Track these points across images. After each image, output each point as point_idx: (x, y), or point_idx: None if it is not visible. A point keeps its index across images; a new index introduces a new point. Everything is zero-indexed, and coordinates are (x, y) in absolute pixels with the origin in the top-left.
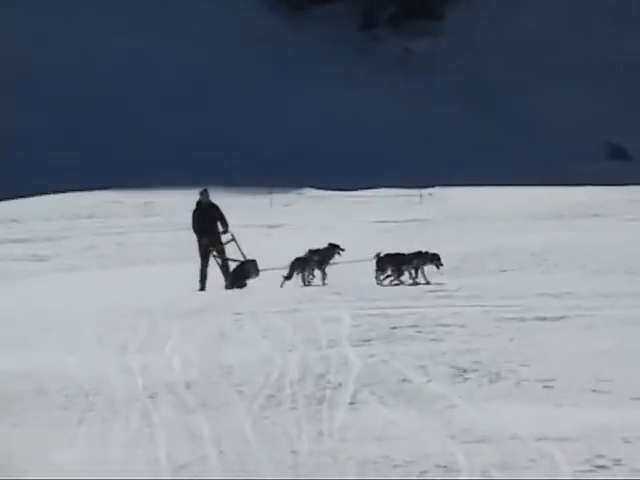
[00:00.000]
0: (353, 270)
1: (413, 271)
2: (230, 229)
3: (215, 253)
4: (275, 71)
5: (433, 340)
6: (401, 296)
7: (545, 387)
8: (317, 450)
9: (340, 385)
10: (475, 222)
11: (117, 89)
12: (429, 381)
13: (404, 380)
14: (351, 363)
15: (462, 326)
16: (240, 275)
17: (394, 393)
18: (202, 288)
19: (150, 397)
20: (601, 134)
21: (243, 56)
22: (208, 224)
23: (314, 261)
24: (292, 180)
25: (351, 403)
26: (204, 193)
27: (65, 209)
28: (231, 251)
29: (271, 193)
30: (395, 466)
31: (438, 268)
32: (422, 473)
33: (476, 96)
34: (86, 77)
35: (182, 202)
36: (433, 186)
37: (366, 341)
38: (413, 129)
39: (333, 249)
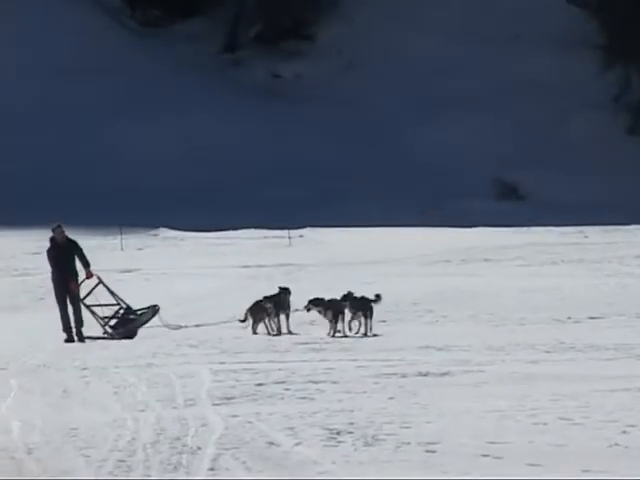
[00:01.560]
0: (216, 319)
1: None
2: (93, 270)
3: (69, 297)
4: (124, 97)
5: (303, 399)
6: (268, 349)
7: (428, 451)
8: None
9: (199, 449)
10: (351, 267)
11: None
12: (298, 444)
13: (271, 443)
14: (211, 424)
15: (335, 383)
16: (133, 324)
17: (260, 458)
18: (69, 338)
19: None
20: (491, 170)
21: (85, 80)
22: (66, 263)
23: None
24: (144, 219)
25: (211, 469)
26: (57, 229)
27: None
28: (90, 297)
29: (121, 233)
30: None
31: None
32: None
33: (354, 125)
34: None
35: (22, 245)
36: (304, 227)
37: (228, 399)
38: (281, 162)
39: (286, 293)
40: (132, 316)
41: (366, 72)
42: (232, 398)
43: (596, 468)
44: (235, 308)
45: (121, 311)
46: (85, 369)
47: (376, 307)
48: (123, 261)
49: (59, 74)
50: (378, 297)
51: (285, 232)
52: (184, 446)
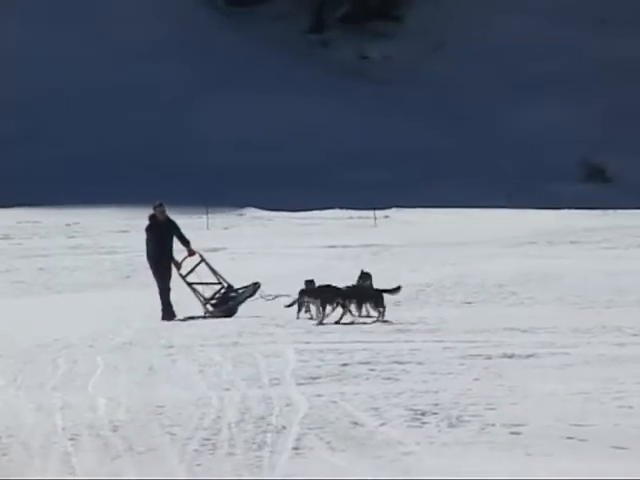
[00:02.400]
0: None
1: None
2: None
3: (180, 272)
4: (208, 78)
5: (388, 379)
6: (353, 329)
7: (513, 433)
8: None
9: (283, 428)
10: (437, 248)
11: (25, 94)
12: (383, 425)
13: (355, 423)
14: (296, 404)
15: (421, 364)
16: (234, 302)
17: (344, 438)
18: (168, 316)
19: (71, 440)
20: (579, 152)
21: (174, 59)
22: (167, 242)
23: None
24: (231, 199)
25: (295, 449)
26: (159, 207)
27: None
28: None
29: (207, 213)
30: None
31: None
32: None
33: (441, 107)
34: None
35: (110, 223)
36: (389, 207)
37: (313, 379)
38: (368, 144)
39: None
40: (232, 294)
41: (454, 54)
42: (317, 378)
43: None
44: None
45: (222, 290)
46: (171, 347)
47: (462, 289)
48: (208, 240)
49: (148, 56)
50: (398, 288)
51: (371, 213)
52: (269, 425)
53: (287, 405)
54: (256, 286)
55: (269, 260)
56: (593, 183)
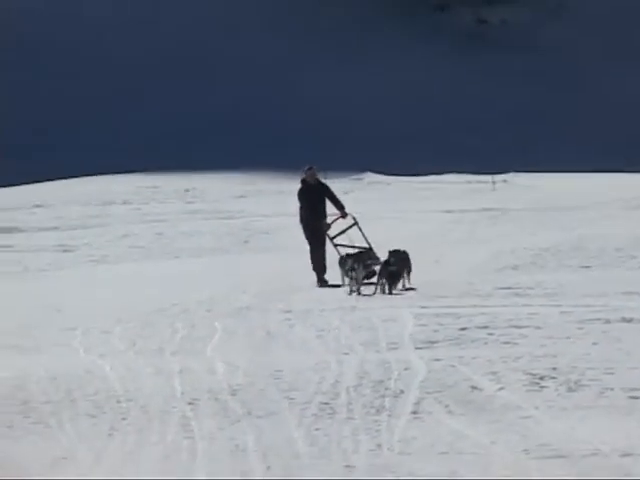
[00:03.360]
0: (417, 265)
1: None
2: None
3: (335, 240)
4: (329, 41)
5: (506, 343)
6: (470, 294)
7: (632, 397)
8: (375, 465)
9: (402, 392)
10: (554, 212)
11: (138, 60)
12: (501, 389)
13: (474, 388)
14: (414, 368)
15: (539, 328)
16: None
17: (462, 402)
18: (322, 282)
19: (189, 404)
20: None
21: (285, 27)
22: (319, 206)
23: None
24: (349, 163)
25: (414, 413)
26: (309, 170)
27: (95, 194)
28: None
29: (326, 178)
30: None
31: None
32: None
33: (560, 72)
34: (98, 49)
35: (227, 188)
36: (507, 172)
37: (431, 343)
38: (486, 108)
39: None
40: (369, 261)
41: (573, 18)
42: (435, 342)
43: None
44: (441, 253)
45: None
46: (289, 312)
47: (580, 253)
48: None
49: (258, 25)
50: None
51: (489, 177)
52: (387, 389)
53: (405, 369)
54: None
55: (387, 224)
56: None
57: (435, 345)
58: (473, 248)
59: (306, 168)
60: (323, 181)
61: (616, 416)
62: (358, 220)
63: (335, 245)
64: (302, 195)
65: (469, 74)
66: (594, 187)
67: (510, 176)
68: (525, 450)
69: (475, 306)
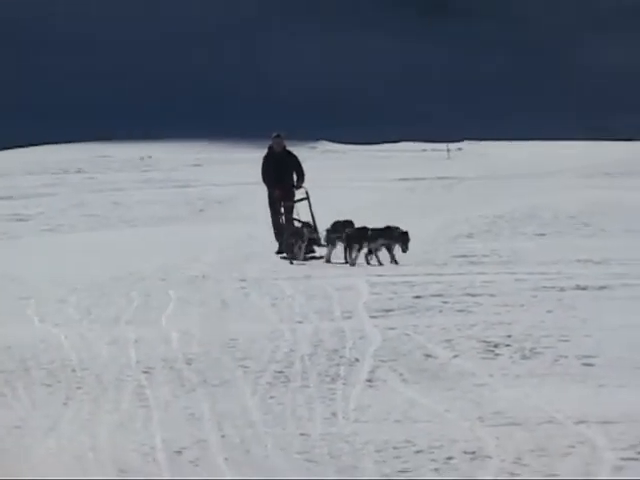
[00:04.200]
0: None
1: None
2: (305, 185)
3: (282, 210)
4: (281, 12)
5: (461, 311)
6: (426, 262)
7: (586, 365)
8: (330, 433)
9: (356, 361)
10: (509, 180)
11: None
12: (456, 357)
13: (428, 356)
14: (369, 336)
15: (493, 296)
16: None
17: (417, 370)
18: (281, 249)
19: (144, 373)
20: None
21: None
22: (281, 174)
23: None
24: (304, 132)
25: (368, 381)
26: (277, 138)
27: (49, 163)
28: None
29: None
30: (417, 452)
31: (404, 251)
32: (448, 459)
33: (524, 41)
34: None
35: (183, 157)
36: (461, 140)
37: (386, 312)
38: (441, 76)
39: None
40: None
41: None
42: (390, 310)
43: None
44: (395, 220)
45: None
46: (243, 280)
47: (534, 221)
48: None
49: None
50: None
51: (444, 145)
52: (341, 358)
53: (360, 338)
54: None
55: (342, 193)
56: None
57: (390, 313)
58: (428, 216)
59: (274, 135)
60: (290, 150)
61: (570, 383)
62: (310, 193)
63: (280, 214)
64: (265, 162)
65: (432, 43)
66: (549, 156)
67: (465, 144)
68: (479, 418)
69: (430, 274)
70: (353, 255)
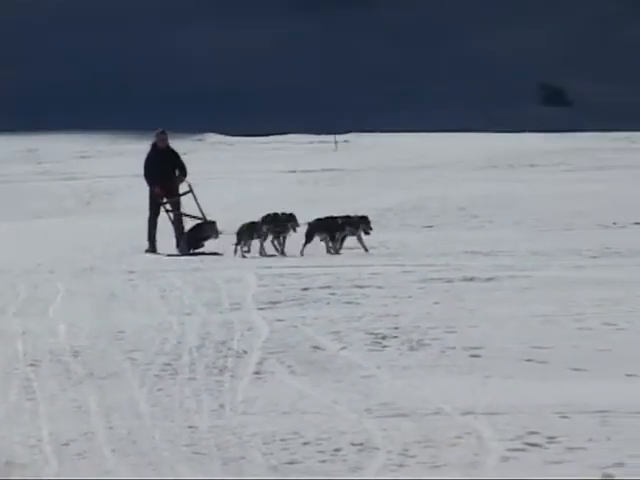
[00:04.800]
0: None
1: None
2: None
3: (168, 207)
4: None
5: (348, 303)
6: (314, 254)
7: (473, 356)
8: (218, 425)
9: (244, 353)
10: (397, 172)
11: None
12: (343, 349)
13: (316, 347)
14: (257, 328)
15: (381, 288)
16: (197, 236)
17: (305, 362)
18: (151, 249)
19: (31, 366)
20: (539, 75)
21: None
22: (164, 172)
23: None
24: (191, 124)
25: (256, 373)
26: (161, 134)
27: None
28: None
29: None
30: (305, 443)
31: (368, 233)
32: (335, 451)
33: (406, 32)
34: None
35: (70, 149)
36: (348, 132)
37: (274, 304)
38: (328, 67)
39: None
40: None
41: None
42: (278, 302)
43: None
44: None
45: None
46: (132, 272)
47: (422, 213)
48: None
49: None
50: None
51: (331, 137)
52: (229, 350)
53: (248, 330)
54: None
55: (229, 186)
56: (553, 106)
57: (278, 305)
58: (316, 209)
59: (158, 131)
60: (173, 148)
61: (457, 375)
62: (197, 186)
63: (167, 211)
64: (149, 159)
65: (319, 35)
66: (436, 147)
67: (352, 136)
68: (367, 409)
69: (318, 266)
70: (337, 245)
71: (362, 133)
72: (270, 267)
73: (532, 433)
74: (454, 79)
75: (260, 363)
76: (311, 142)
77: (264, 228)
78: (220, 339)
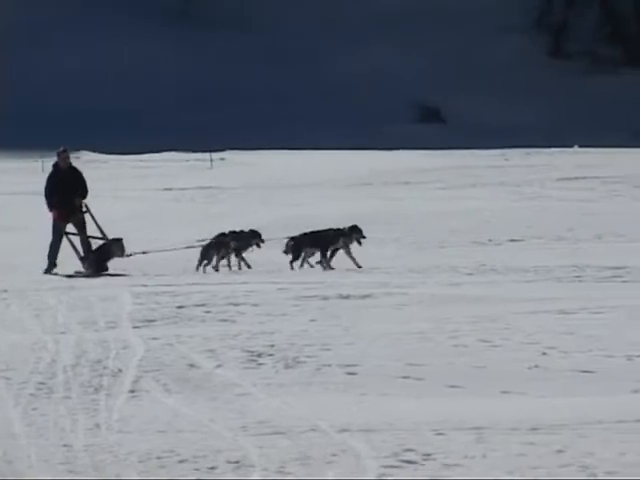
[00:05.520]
0: (134, 244)
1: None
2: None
3: (73, 229)
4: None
5: (224, 321)
6: (188, 272)
7: (349, 373)
8: (93, 444)
9: (120, 371)
10: (273, 190)
11: None
12: (219, 367)
13: (191, 366)
14: (132, 347)
15: (256, 305)
16: (103, 257)
17: (180, 380)
18: (49, 269)
19: None
20: (414, 94)
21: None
22: (66, 192)
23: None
24: (65, 142)
25: (132, 391)
26: (63, 153)
27: None
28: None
29: (42, 157)
30: (181, 461)
31: (360, 243)
32: (211, 469)
33: (275, 50)
34: None
35: None
36: (224, 150)
37: (149, 322)
38: (201, 86)
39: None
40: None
41: None
42: (153, 321)
43: (516, 390)
44: (160, 231)
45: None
46: (5, 291)
47: (299, 231)
48: (41, 184)
49: None
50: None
51: (206, 155)
52: (105, 368)
53: (123, 348)
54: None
55: (105, 203)
56: (428, 124)
57: (153, 324)
58: (191, 226)
59: (60, 150)
60: (75, 167)
61: (333, 392)
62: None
63: (66, 234)
64: (51, 180)
65: (182, 51)
66: (312, 165)
67: (227, 154)
68: (243, 427)
69: (193, 284)
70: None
71: (238, 151)
72: (145, 285)
73: (408, 450)
74: (329, 98)
75: (136, 381)
76: (187, 160)
77: (231, 244)
78: (95, 358)
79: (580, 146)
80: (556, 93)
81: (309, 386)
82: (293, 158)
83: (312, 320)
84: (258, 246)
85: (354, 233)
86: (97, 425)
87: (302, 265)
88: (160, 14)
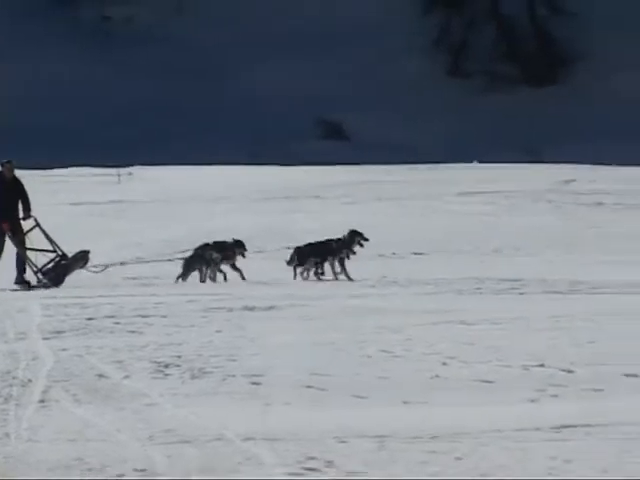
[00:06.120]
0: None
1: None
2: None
3: (13, 242)
4: None
5: (132, 332)
6: (98, 284)
7: (253, 383)
8: (3, 453)
9: (29, 381)
10: (183, 205)
11: None
12: (127, 377)
13: (100, 376)
14: (42, 358)
15: (164, 317)
16: (66, 271)
17: (89, 391)
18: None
19: None
20: (317, 111)
21: None
22: (10, 203)
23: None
24: None
25: (41, 401)
26: (7, 164)
27: None
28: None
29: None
30: (89, 469)
31: (362, 245)
32: (118, 477)
33: (183, 66)
34: None
35: None
36: (132, 165)
37: (58, 333)
38: (110, 102)
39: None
40: (64, 262)
41: (196, 14)
42: (62, 332)
43: (417, 399)
44: (73, 245)
45: (57, 259)
46: None
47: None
48: None
49: None
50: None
51: (114, 170)
52: (14, 379)
53: (33, 359)
54: (86, 255)
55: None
56: (331, 140)
57: (62, 335)
58: (102, 240)
59: (4, 161)
60: (18, 178)
61: (238, 402)
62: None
63: (24, 249)
64: None
65: (97, 69)
66: (219, 180)
67: (136, 169)
68: (150, 437)
69: (102, 296)
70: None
71: (145, 166)
72: (55, 297)
73: (311, 458)
74: (235, 115)
75: (45, 392)
76: (95, 175)
77: (214, 255)
78: (5, 368)
79: (480, 161)
80: (456, 110)
81: (215, 396)
82: (202, 173)
83: (218, 331)
84: (242, 255)
85: (356, 236)
86: (7, 434)
87: (305, 275)
88: (78, 32)
